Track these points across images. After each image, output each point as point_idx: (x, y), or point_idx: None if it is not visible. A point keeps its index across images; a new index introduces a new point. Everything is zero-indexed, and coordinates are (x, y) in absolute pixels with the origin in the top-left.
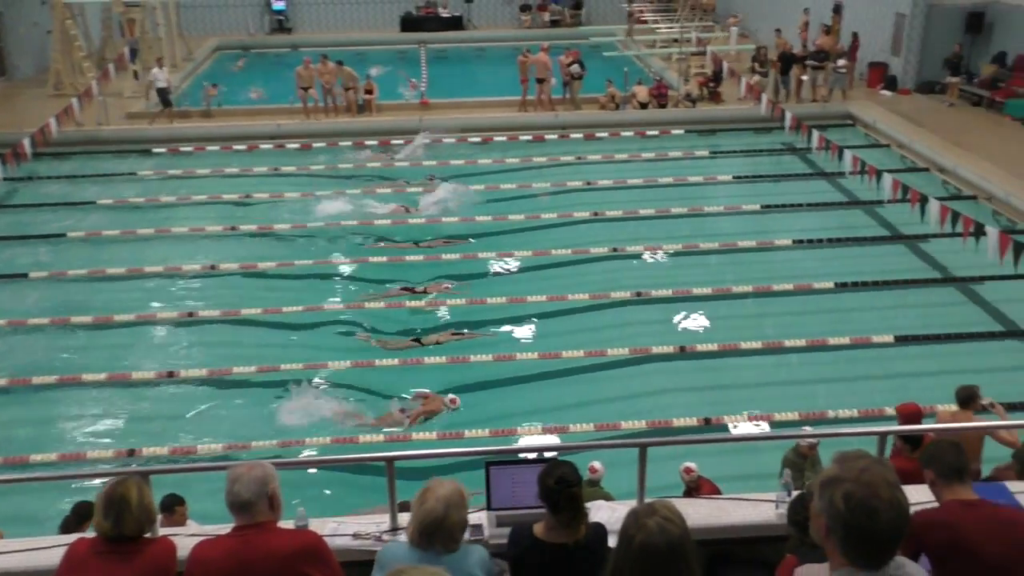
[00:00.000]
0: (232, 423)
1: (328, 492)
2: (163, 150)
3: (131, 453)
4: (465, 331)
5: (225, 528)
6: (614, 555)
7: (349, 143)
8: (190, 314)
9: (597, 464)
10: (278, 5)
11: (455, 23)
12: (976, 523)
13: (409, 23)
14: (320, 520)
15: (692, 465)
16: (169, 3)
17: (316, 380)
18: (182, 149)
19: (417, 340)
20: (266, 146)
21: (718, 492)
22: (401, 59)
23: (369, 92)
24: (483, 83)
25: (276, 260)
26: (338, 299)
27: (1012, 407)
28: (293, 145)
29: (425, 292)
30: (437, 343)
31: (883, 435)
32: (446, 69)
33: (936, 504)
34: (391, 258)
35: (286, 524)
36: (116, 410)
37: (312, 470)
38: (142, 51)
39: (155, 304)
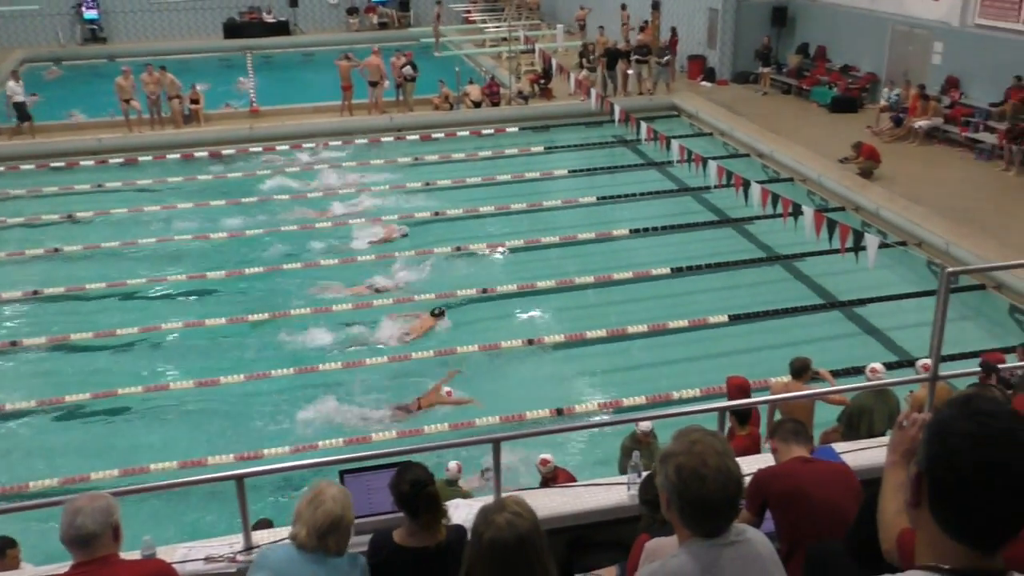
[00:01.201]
0: (67, 454)
1: (181, 517)
2: None
3: None
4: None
5: (63, 567)
6: (466, 553)
7: (177, 155)
8: (13, 343)
9: (452, 464)
10: (90, 14)
11: (281, 28)
12: (811, 475)
13: (232, 30)
14: (169, 547)
15: (548, 456)
16: None
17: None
18: None
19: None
20: (87, 162)
21: (574, 480)
22: (226, 67)
23: (195, 102)
24: (314, 88)
25: (106, 281)
26: (178, 318)
27: (837, 373)
28: (117, 160)
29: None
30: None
31: (721, 411)
32: (274, 76)
33: None
34: (228, 272)
35: (132, 555)
36: None
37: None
38: None
39: None
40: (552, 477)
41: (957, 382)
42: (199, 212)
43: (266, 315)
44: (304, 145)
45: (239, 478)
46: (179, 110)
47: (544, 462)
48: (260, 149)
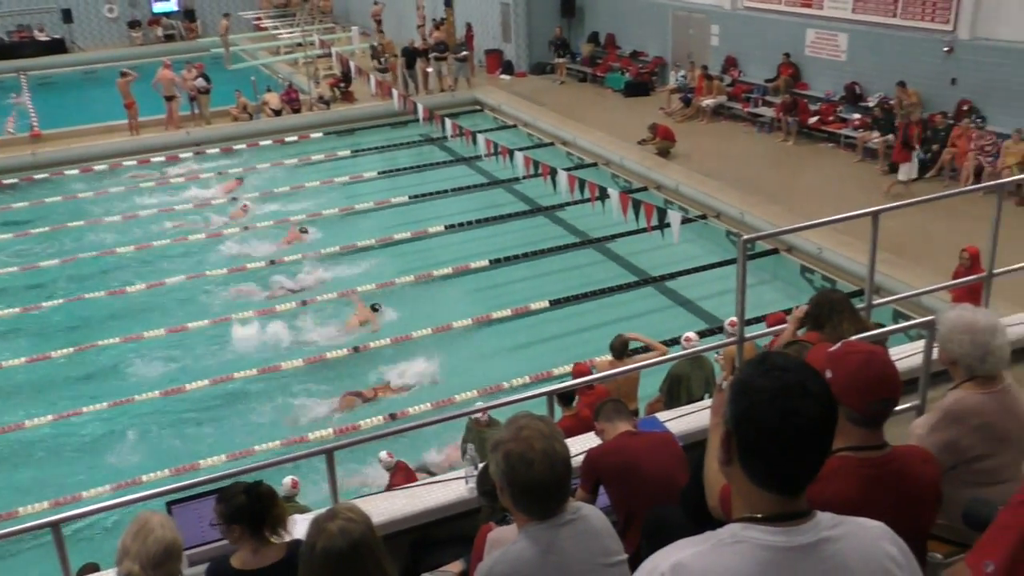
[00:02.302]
0: None
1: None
2: None
3: None
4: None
5: None
6: (300, 565)
7: None
8: None
9: (287, 479)
10: None
11: (56, 47)
12: (639, 447)
13: (1, 51)
14: None
15: (383, 455)
16: None
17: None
18: None
19: None
20: None
21: (413, 477)
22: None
23: None
24: (99, 107)
25: None
26: None
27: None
28: None
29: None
30: None
31: (549, 395)
32: (54, 97)
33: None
34: (24, 309)
35: None
36: None
37: None
38: None
39: None
40: (394, 471)
41: (764, 342)
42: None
43: (71, 349)
44: (95, 168)
45: (54, 524)
46: None
47: (390, 454)
48: (46, 175)
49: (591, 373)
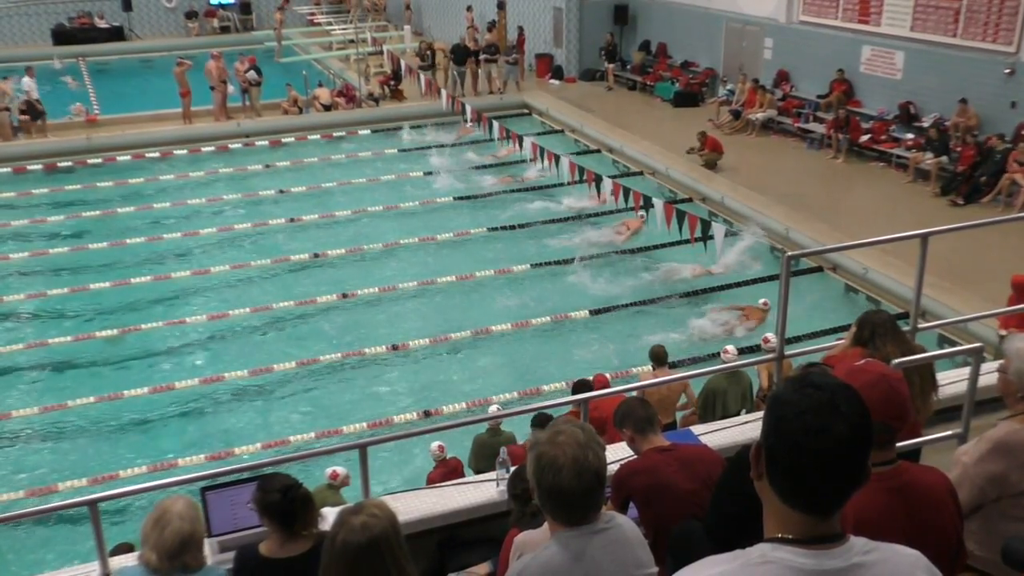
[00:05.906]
0: None
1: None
2: None
3: None
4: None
5: None
6: (323, 556)
7: (8, 169)
8: None
9: (336, 469)
10: None
11: (116, 34)
12: (669, 465)
13: (62, 36)
14: None
15: (433, 447)
16: None
17: None
18: None
19: None
20: None
21: (460, 469)
22: (57, 75)
23: (25, 112)
24: (155, 95)
25: None
26: (18, 341)
27: (695, 359)
28: None
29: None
30: None
31: (583, 402)
32: (112, 83)
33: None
34: (72, 289)
35: None
36: None
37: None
38: None
39: None
40: (437, 464)
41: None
42: (35, 229)
43: (116, 331)
44: (147, 155)
45: (92, 503)
46: (7, 122)
47: (442, 448)
48: (100, 160)
49: (609, 385)
